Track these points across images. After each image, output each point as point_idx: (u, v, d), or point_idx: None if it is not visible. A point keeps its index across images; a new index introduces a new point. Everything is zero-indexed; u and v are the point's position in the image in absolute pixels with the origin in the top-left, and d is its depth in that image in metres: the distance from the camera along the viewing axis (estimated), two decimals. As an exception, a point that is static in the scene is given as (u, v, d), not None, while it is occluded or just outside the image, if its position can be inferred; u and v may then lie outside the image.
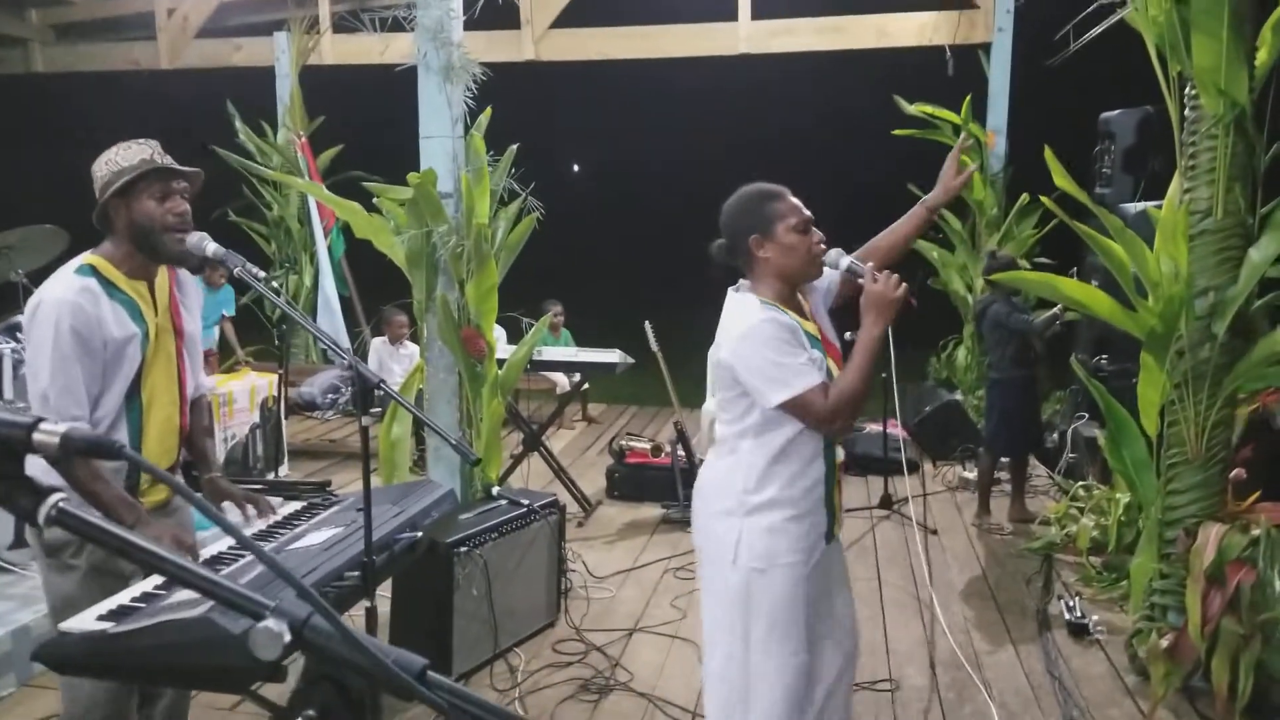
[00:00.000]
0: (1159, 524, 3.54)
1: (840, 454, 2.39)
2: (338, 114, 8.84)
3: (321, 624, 0.79)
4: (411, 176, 3.95)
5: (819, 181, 2.51)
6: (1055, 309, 5.16)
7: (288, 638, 0.79)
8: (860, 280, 2.27)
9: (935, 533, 5.48)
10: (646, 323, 5.76)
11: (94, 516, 0.82)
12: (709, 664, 2.43)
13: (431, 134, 4.12)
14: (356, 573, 2.05)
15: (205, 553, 2.18)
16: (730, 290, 2.41)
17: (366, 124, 9.93)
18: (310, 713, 0.82)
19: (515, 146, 4.37)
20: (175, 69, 9.42)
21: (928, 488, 6.41)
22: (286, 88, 8.53)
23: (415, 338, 4.35)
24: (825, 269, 2.36)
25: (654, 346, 5.81)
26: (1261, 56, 3.11)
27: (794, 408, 2.19)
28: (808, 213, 2.32)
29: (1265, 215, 3.23)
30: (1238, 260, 3.25)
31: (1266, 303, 3.33)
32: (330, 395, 7.33)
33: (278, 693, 2.08)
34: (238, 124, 8.48)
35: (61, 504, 0.84)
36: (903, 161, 9.17)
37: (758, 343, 2.20)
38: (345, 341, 8.05)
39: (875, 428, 6.68)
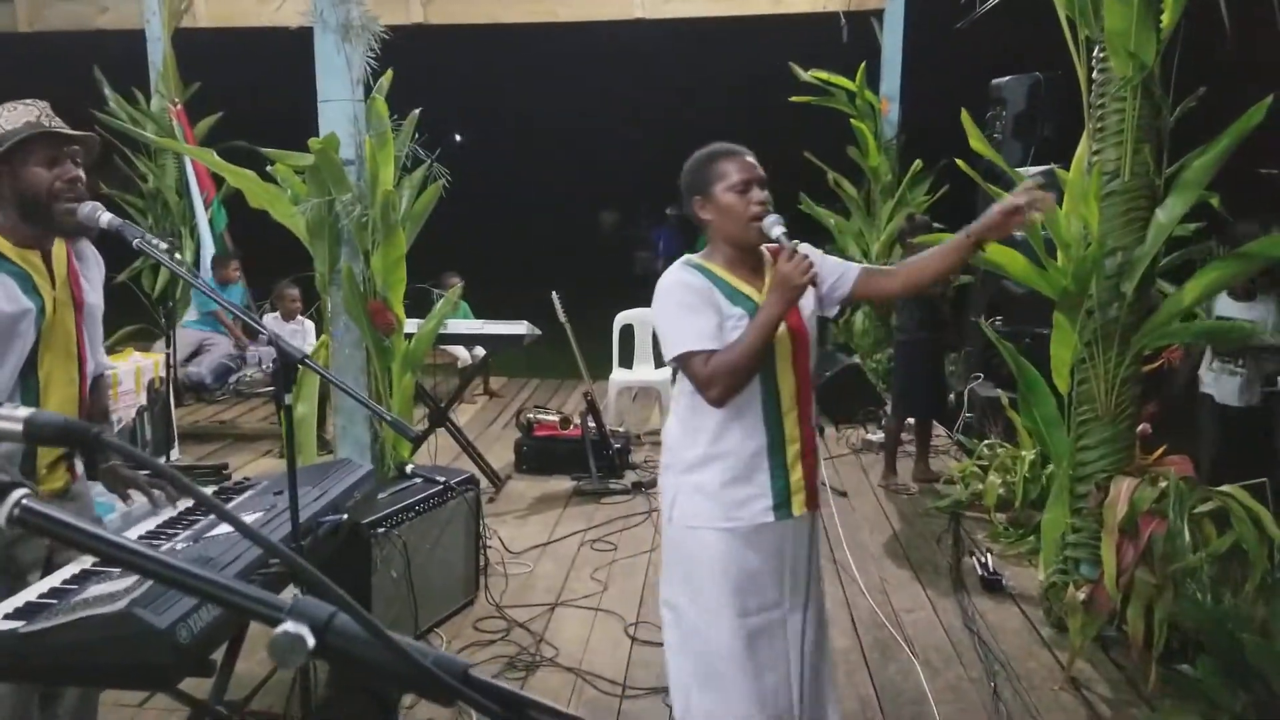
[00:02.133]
0: (1070, 479, 3.66)
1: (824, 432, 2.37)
2: (215, 80, 8.28)
3: (348, 623, 0.67)
4: (313, 142, 3.70)
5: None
6: None
7: (312, 642, 0.66)
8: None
9: (845, 495, 5.56)
10: (554, 293, 5.64)
11: (65, 515, 0.68)
12: (664, 621, 2.41)
13: (330, 98, 3.88)
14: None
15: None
16: None
17: (246, 90, 9.38)
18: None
19: (418, 111, 4.16)
20: (35, 32, 8.67)
21: (833, 451, 6.51)
22: (159, 52, 7.93)
23: (316, 314, 4.11)
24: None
25: (562, 317, 5.70)
26: (1166, 19, 3.19)
27: (682, 367, 2.22)
28: (756, 173, 2.24)
29: (1171, 176, 3.34)
30: (1145, 220, 3.35)
31: (1172, 261, 3.45)
32: (221, 375, 6.93)
33: (198, 686, 1.92)
34: (107, 91, 7.84)
35: (25, 501, 0.71)
36: (799, 129, 9.26)
37: (663, 300, 2.25)
38: (227, 318, 7.63)
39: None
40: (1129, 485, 3.27)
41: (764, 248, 2.32)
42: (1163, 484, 3.25)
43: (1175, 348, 4.18)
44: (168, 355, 5.65)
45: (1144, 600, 3.10)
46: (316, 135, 3.80)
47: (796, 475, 2.30)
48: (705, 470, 2.27)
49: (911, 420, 5.99)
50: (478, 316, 7.38)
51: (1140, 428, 3.57)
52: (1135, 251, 3.37)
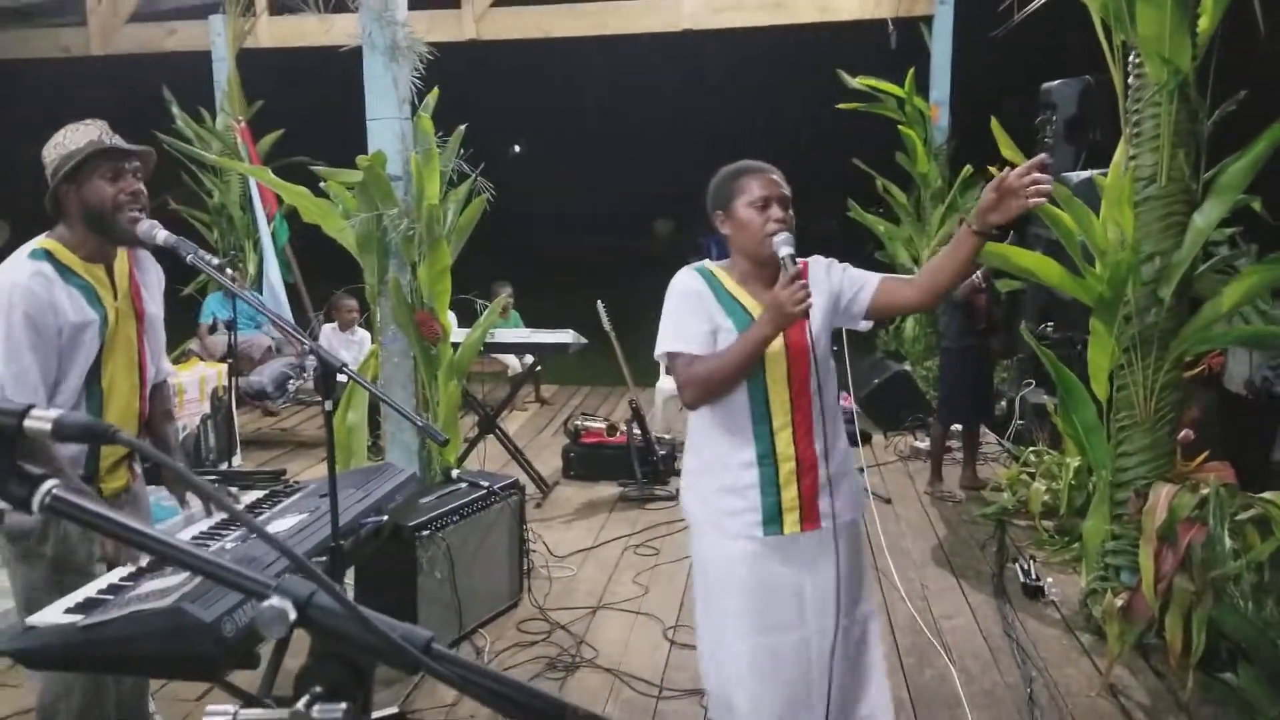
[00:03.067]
0: (1110, 486, 3.63)
1: (834, 452, 2.31)
2: (277, 98, 8.60)
3: (326, 600, 0.77)
4: (360, 159, 3.86)
5: (764, 157, 2.45)
6: (974, 275, 5.25)
7: (293, 615, 0.78)
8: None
9: (889, 502, 5.56)
10: (599, 302, 5.74)
11: (90, 502, 0.79)
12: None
13: (378, 116, 4.04)
14: (324, 558, 2.01)
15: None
16: None
17: (308, 108, 9.70)
18: (318, 689, 0.80)
19: (464, 127, 4.30)
20: (107, 55, 9.08)
21: (880, 458, 6.49)
22: (224, 72, 8.29)
23: (368, 324, 4.27)
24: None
25: (607, 326, 5.79)
26: (1203, 24, 3.17)
27: (669, 364, 2.28)
28: (778, 191, 2.25)
29: (1208, 180, 3.31)
30: (1182, 225, 3.33)
31: (1211, 266, 3.42)
32: (281, 384, 7.19)
33: (248, 680, 2.05)
34: (174, 110, 8.21)
35: (56, 491, 0.81)
36: (847, 136, 9.25)
37: (667, 299, 2.31)
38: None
39: (829, 401, 6.74)
40: (1168, 492, 3.24)
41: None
42: (1203, 491, 3.22)
43: (1217, 354, 4.11)
44: (230, 364, 5.88)
45: (1183, 607, 3.07)
46: (366, 152, 3.96)
47: (790, 494, 2.27)
48: (702, 477, 2.34)
49: (958, 427, 5.97)
50: (529, 325, 7.55)
51: (1182, 434, 3.53)
52: (1173, 256, 3.35)
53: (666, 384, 6.90)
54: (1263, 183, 3.24)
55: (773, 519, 2.27)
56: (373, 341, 4.37)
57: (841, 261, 2.43)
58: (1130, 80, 3.46)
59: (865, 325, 2.44)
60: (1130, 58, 3.43)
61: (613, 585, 4.37)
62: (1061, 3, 3.79)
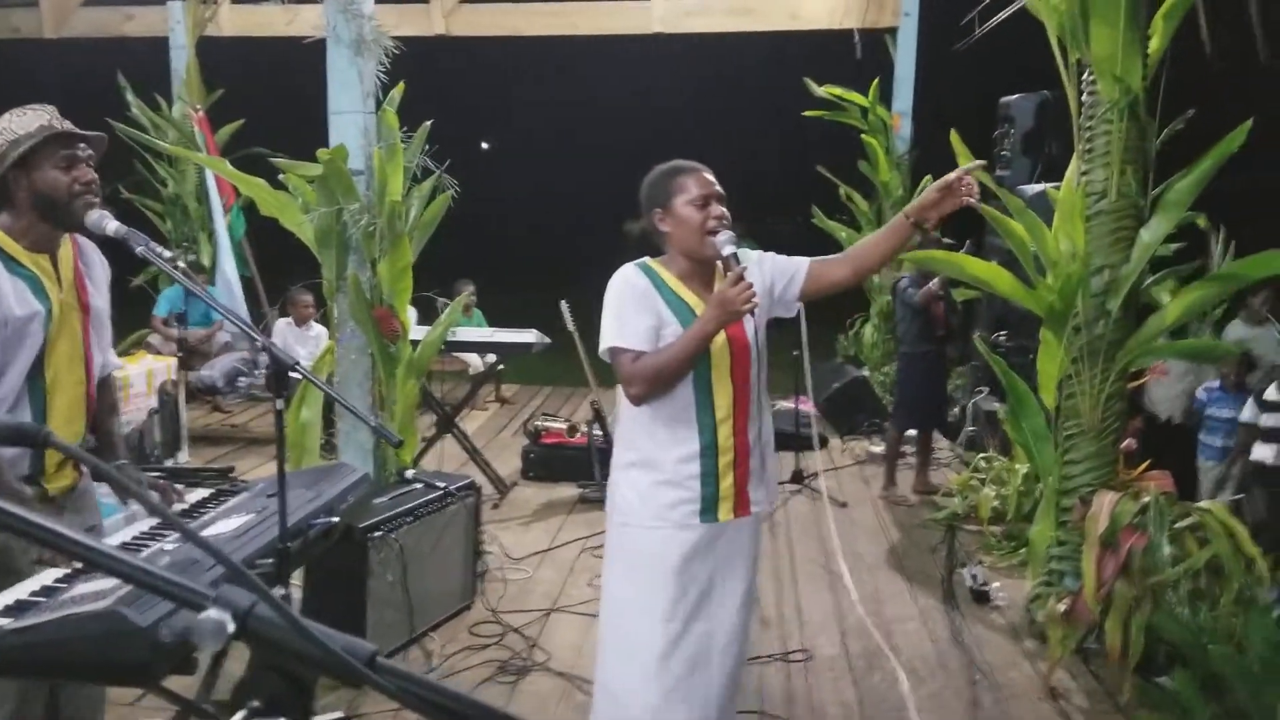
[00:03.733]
0: (1056, 493, 3.71)
1: (762, 437, 2.40)
2: (237, 88, 8.47)
3: (266, 612, 0.76)
4: (321, 152, 3.82)
5: (731, 161, 2.50)
6: (932, 283, 5.34)
7: (231, 628, 0.76)
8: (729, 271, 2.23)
9: (845, 505, 5.62)
10: (563, 302, 5.73)
11: (13, 505, 0.77)
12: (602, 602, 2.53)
13: (342, 109, 4.00)
14: (270, 560, 1.98)
15: (112, 541, 2.09)
16: None
17: (268, 99, 9.57)
18: (255, 704, 0.79)
19: (429, 123, 4.28)
20: (61, 38, 8.89)
21: (837, 462, 6.57)
22: (182, 59, 8.14)
23: (324, 319, 4.23)
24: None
25: (570, 326, 5.78)
26: (1153, 45, 3.26)
27: (612, 360, 2.29)
28: (714, 189, 2.31)
29: (1156, 197, 3.39)
30: (1130, 240, 3.41)
31: (1156, 280, 3.50)
32: (232, 380, 7.08)
33: (186, 684, 2.02)
34: (129, 97, 8.05)
35: None
36: (813, 143, 9.35)
37: (607, 296, 2.32)
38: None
39: (787, 404, 6.80)
40: (1111, 499, 3.32)
41: (719, 262, 2.34)
42: (1144, 499, 3.30)
43: (1159, 365, 4.22)
44: (180, 358, 5.79)
45: (1122, 612, 3.15)
46: (327, 146, 3.92)
47: (726, 483, 2.35)
48: (639, 470, 2.36)
49: (913, 432, 6.05)
50: (492, 324, 7.52)
51: (1125, 443, 3.61)
52: (1121, 270, 3.43)
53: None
54: (1205, 201, 3.33)
55: (710, 508, 2.35)
56: (330, 337, 4.32)
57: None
58: (1084, 97, 3.53)
59: (791, 313, 2.52)
60: (1084, 75, 3.51)
61: (568, 588, 4.37)
62: (1022, 19, 3.86)
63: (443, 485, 3.89)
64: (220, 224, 7.49)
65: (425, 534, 3.72)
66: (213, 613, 0.76)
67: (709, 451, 2.32)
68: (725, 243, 2.24)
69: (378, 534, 3.46)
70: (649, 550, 2.35)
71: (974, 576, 4.30)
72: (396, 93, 4.16)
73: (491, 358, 7.23)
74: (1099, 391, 3.53)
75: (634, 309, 2.27)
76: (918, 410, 5.74)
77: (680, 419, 2.31)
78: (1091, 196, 3.50)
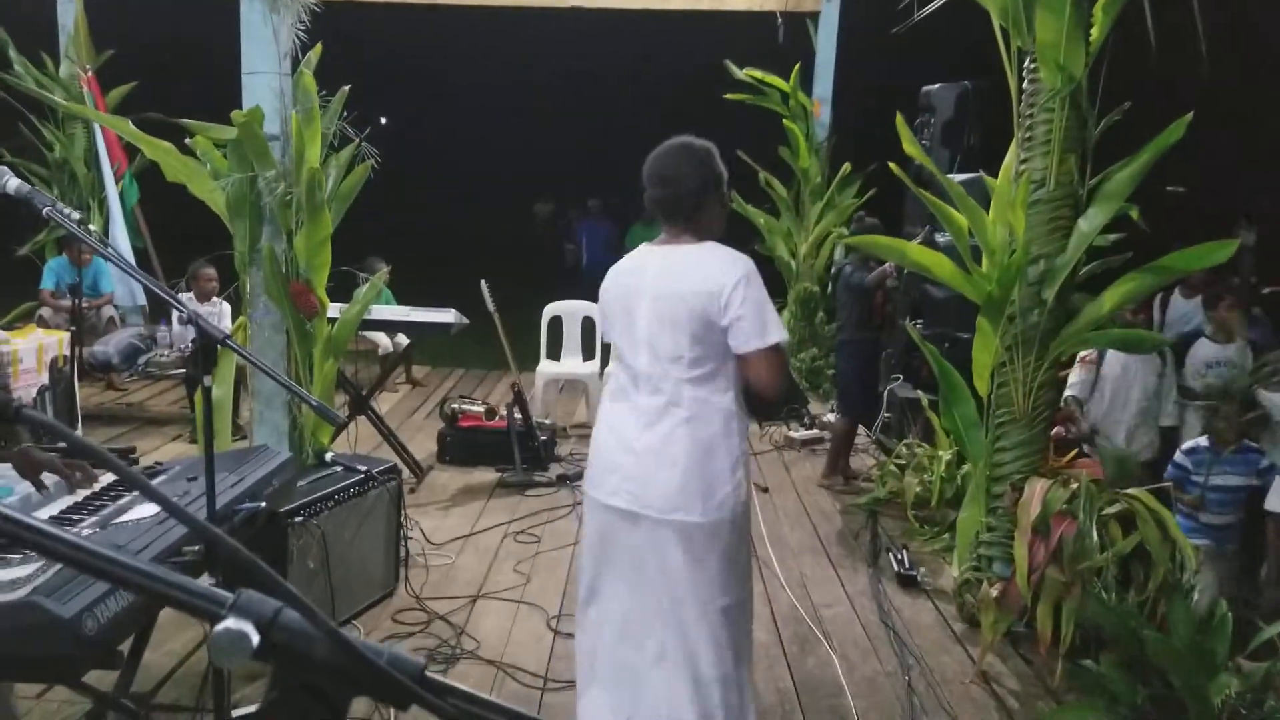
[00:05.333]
0: (987, 480, 3.75)
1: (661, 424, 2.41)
2: (131, 47, 7.91)
3: (295, 619, 0.62)
4: (235, 114, 3.57)
5: (648, 143, 2.44)
6: (885, 266, 5.36)
7: (256, 639, 0.62)
8: None
9: (766, 490, 5.62)
10: (483, 282, 5.54)
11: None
12: None
13: (256, 69, 3.74)
14: (196, 546, 1.80)
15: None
16: (661, 245, 2.42)
17: (165, 59, 8.99)
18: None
19: (348, 88, 4.04)
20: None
21: (757, 448, 6.57)
22: (70, 14, 7.56)
23: (238, 295, 3.96)
24: None
25: (490, 307, 5.61)
26: (1094, 34, 3.29)
27: (776, 353, 2.29)
28: None
29: (1094, 187, 3.44)
30: (1068, 230, 3.45)
31: (1092, 270, 3.56)
32: (129, 356, 6.64)
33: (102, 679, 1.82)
34: (12, 53, 7.43)
35: None
36: (733, 127, 9.31)
37: (756, 287, 2.29)
38: (141, 298, 7.31)
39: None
40: (1043, 486, 3.37)
41: None
42: (1074, 486, 3.35)
43: (1090, 354, 4.32)
44: (73, 333, 5.39)
45: (1053, 598, 3.20)
46: (240, 109, 3.66)
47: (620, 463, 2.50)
48: (744, 468, 2.47)
49: (831, 417, 6.08)
50: (402, 303, 7.24)
51: (1055, 431, 3.68)
52: (1057, 259, 3.47)
53: (548, 368, 6.77)
54: (1141, 193, 3.39)
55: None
56: (238, 314, 4.06)
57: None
58: (1025, 85, 3.55)
59: None
60: (1026, 63, 3.53)
61: (493, 574, 4.23)
62: (944, 9, 3.86)
63: (364, 469, 3.70)
64: (112, 191, 7.01)
65: (347, 519, 3.54)
66: (231, 623, 0.61)
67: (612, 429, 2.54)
68: None
69: (298, 519, 3.26)
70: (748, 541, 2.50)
71: (900, 561, 4.34)
72: (314, 55, 3.92)
73: (402, 338, 6.98)
74: (1031, 380, 3.57)
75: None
76: (860, 398, 5.78)
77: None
78: (1031, 185, 3.52)
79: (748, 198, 9.14)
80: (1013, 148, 3.63)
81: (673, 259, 2.37)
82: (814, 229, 8.73)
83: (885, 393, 6.80)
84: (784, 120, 8.64)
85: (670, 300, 2.32)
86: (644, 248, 2.49)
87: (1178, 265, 3.28)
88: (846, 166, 8.55)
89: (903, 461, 5.32)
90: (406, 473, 5.31)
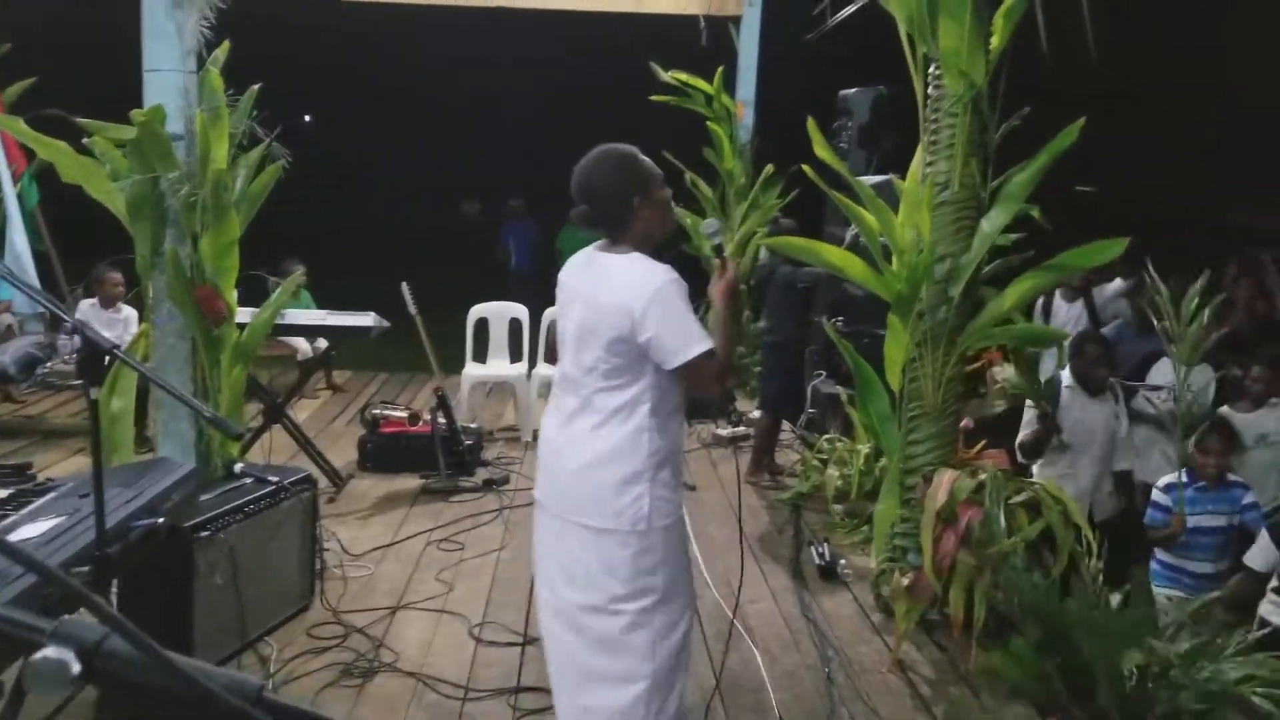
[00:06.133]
0: (900, 472, 3.84)
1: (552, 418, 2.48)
2: (29, 42, 7.60)
3: (120, 646, 0.59)
4: (136, 113, 3.45)
5: (575, 144, 2.45)
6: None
7: (77, 668, 0.59)
8: (715, 262, 2.41)
9: (693, 488, 5.65)
10: (404, 284, 5.46)
11: None
12: None
13: (158, 67, 3.62)
14: (86, 567, 1.74)
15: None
16: (599, 250, 2.41)
17: (65, 55, 8.65)
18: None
19: (258, 86, 3.95)
20: None
21: (684, 446, 6.60)
22: (-40, 5, 7.22)
23: (138, 300, 3.84)
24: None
25: (412, 309, 5.53)
26: (994, 42, 3.39)
27: (698, 365, 2.25)
28: None
29: (996, 188, 3.55)
30: (971, 229, 3.56)
31: (994, 269, 3.67)
32: (27, 366, 6.37)
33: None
34: (-106, 46, 7.07)
35: None
36: (659, 128, 9.35)
37: (673, 301, 2.25)
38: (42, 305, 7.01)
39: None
40: (950, 477, 3.46)
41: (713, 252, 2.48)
42: (981, 476, 3.45)
43: (995, 350, 4.46)
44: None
45: (964, 583, 3.29)
46: (141, 107, 3.55)
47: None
48: (669, 470, 2.45)
49: (756, 414, 6.15)
50: (322, 307, 7.09)
51: (963, 423, 3.78)
52: (962, 258, 3.57)
53: (474, 371, 6.70)
54: (1051, 193, 3.51)
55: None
56: (144, 320, 3.92)
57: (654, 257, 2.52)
58: (930, 91, 3.65)
59: None
60: (931, 69, 3.62)
61: (415, 583, 4.17)
62: (863, 15, 3.95)
63: (276, 479, 3.61)
64: (9, 193, 6.69)
65: (257, 532, 3.45)
66: (50, 651, 0.58)
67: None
68: (716, 232, 2.45)
69: (204, 534, 3.16)
70: (680, 540, 2.50)
71: (821, 554, 4.41)
72: (222, 52, 3.82)
73: (322, 342, 6.84)
74: (940, 374, 3.67)
75: (689, 307, 2.29)
76: (789, 396, 5.86)
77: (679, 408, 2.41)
78: (936, 187, 3.62)
79: (675, 198, 9.15)
80: (919, 151, 3.72)
81: (599, 268, 2.37)
82: (739, 229, 8.81)
83: (810, 389, 6.92)
84: (708, 122, 8.70)
85: (592, 310, 2.32)
86: (589, 250, 2.47)
87: (1071, 263, 3.41)
88: (769, 168, 8.65)
89: (825, 456, 5.40)
90: (325, 482, 5.21)
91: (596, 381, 2.33)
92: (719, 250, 2.38)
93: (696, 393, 2.39)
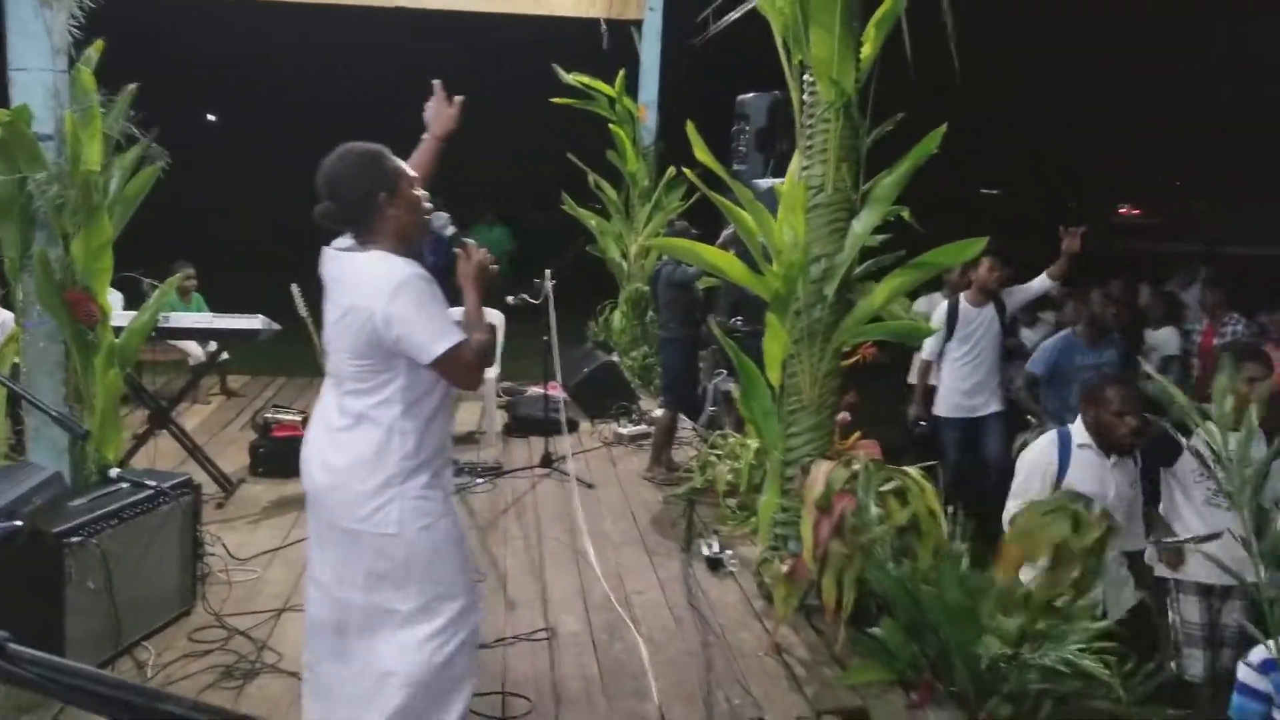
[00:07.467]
0: (781, 464, 3.98)
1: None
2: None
3: None
4: (0, 113, 3.36)
5: (482, 145, 2.54)
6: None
7: None
8: (457, 251, 2.41)
9: (592, 487, 5.72)
10: (294, 286, 5.39)
11: None
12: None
13: (25, 66, 3.54)
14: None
15: None
16: (340, 249, 2.37)
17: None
18: None
19: (134, 86, 3.88)
20: None
21: (585, 445, 6.67)
22: None
23: (6, 302, 3.73)
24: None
25: (303, 311, 5.45)
26: (865, 51, 3.55)
27: (451, 358, 2.23)
28: None
29: (866, 191, 3.72)
30: (844, 231, 3.71)
31: (866, 268, 3.84)
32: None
33: None
34: None
35: None
36: (563, 130, 9.38)
37: (415, 296, 2.23)
38: None
39: (537, 390, 6.83)
40: (827, 467, 3.61)
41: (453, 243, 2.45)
42: (855, 466, 3.61)
43: (870, 344, 4.64)
44: None
45: (837, 569, 3.43)
46: (7, 106, 3.47)
47: None
48: (426, 472, 2.39)
49: (659, 412, 6.25)
50: (216, 311, 6.93)
51: (840, 416, 3.94)
52: (836, 258, 3.72)
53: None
54: (910, 195, 3.69)
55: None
56: (15, 323, 3.81)
57: (558, 256, 2.59)
58: (806, 98, 3.79)
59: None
60: (805, 76, 3.77)
61: (302, 586, 4.13)
62: (759, 20, 4.08)
63: (153, 484, 3.54)
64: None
65: (133, 537, 3.38)
66: None
67: None
68: (445, 224, 2.37)
69: (75, 539, 3.09)
70: (451, 541, 2.42)
71: (709, 546, 4.53)
72: (94, 50, 3.74)
73: (214, 346, 6.69)
74: (817, 370, 3.82)
75: (438, 301, 2.28)
76: (685, 392, 5.98)
77: (447, 410, 2.42)
78: (811, 190, 3.76)
79: (579, 200, 9.24)
80: (796, 155, 3.87)
81: (343, 267, 2.33)
82: (643, 230, 8.91)
83: (711, 387, 7.06)
84: (611, 125, 8.79)
85: (339, 310, 2.31)
86: (334, 249, 2.41)
87: (937, 261, 3.60)
88: (671, 170, 8.78)
89: (719, 451, 5.54)
90: (214, 487, 5.11)
91: (345, 384, 2.32)
92: (456, 240, 2.38)
93: (457, 386, 2.36)
